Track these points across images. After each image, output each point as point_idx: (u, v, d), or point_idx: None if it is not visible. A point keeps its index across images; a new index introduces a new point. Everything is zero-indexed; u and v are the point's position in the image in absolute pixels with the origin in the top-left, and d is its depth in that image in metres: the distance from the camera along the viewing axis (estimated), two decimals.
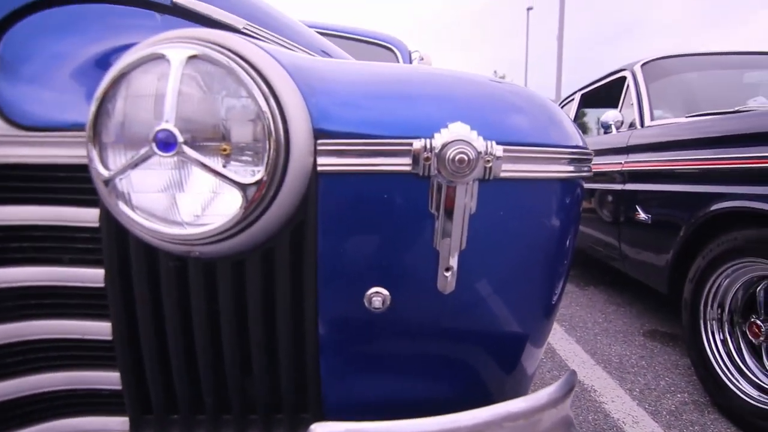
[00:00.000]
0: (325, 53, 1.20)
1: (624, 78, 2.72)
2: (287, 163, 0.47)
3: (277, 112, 0.46)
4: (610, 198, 2.37)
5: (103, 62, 0.63)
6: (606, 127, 2.65)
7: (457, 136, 0.49)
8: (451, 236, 0.52)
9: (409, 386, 0.63)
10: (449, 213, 0.51)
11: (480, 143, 0.50)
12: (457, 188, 0.51)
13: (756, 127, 1.48)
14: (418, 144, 0.50)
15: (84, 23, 0.67)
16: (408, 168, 0.50)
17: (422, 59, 2.94)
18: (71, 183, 0.55)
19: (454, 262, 0.53)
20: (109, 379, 0.59)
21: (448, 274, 0.53)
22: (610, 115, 2.63)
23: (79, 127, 0.54)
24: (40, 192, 0.55)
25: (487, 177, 0.51)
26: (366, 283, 0.54)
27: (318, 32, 1.32)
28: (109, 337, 0.57)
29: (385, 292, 0.54)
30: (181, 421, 0.61)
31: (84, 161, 0.53)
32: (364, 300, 0.54)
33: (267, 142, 0.45)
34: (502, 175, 0.52)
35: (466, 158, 0.48)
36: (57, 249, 0.57)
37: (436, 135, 0.50)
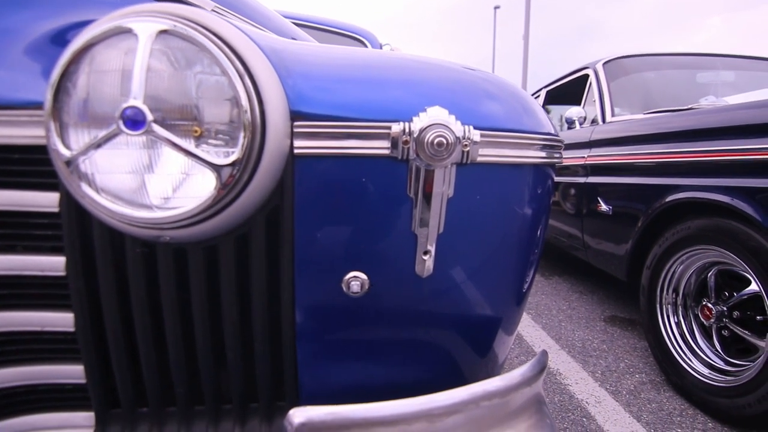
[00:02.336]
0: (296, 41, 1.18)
1: (587, 76, 2.82)
2: (263, 145, 0.46)
3: (253, 92, 0.45)
4: (573, 191, 2.46)
5: (59, 38, 0.59)
6: (570, 123, 2.74)
7: (435, 120, 0.50)
8: (429, 220, 0.52)
9: (385, 371, 0.63)
10: (427, 197, 0.52)
11: (458, 127, 0.50)
12: (436, 172, 0.51)
13: (706, 123, 1.57)
14: (396, 127, 0.50)
15: None
16: (386, 151, 0.50)
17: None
18: (27, 165, 0.52)
19: (432, 245, 0.54)
20: (72, 372, 0.56)
21: (426, 257, 0.54)
22: (573, 111, 2.72)
23: (35, 105, 0.50)
24: None
25: (464, 161, 0.52)
26: (344, 267, 0.53)
27: (290, 22, 1.29)
28: (72, 329, 0.54)
29: (363, 276, 0.53)
30: (151, 415, 0.58)
31: (41, 141, 0.49)
32: (342, 285, 0.54)
33: (242, 122, 0.44)
34: (479, 159, 0.53)
35: (444, 142, 0.49)
36: (12, 236, 0.53)
37: (415, 119, 0.50)
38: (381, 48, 2.86)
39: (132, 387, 0.57)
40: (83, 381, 0.56)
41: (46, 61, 0.55)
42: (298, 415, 0.46)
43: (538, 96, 3.84)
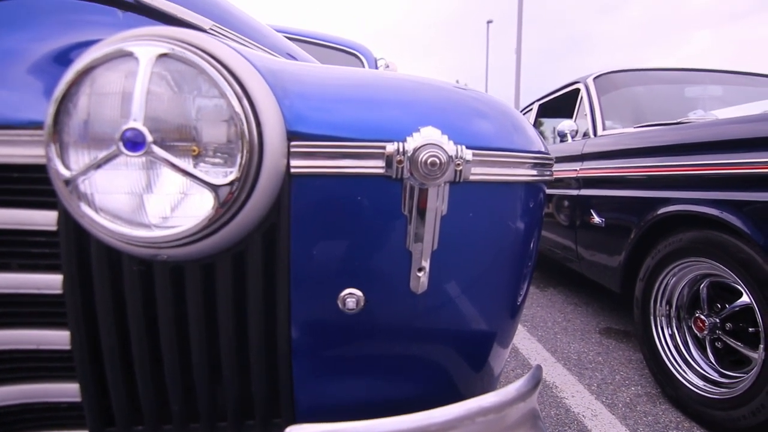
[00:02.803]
0: (291, 56, 1.20)
1: (578, 90, 2.87)
2: (260, 165, 0.47)
3: (250, 113, 0.46)
4: (566, 203, 2.49)
5: (60, 59, 0.60)
6: (562, 136, 2.78)
7: (429, 139, 0.51)
8: (424, 237, 0.53)
9: (381, 387, 0.63)
10: (422, 214, 0.53)
11: (450, 147, 0.52)
12: (429, 190, 0.52)
13: (696, 137, 1.61)
14: (391, 147, 0.51)
15: (39, 17, 0.64)
16: (381, 170, 0.51)
17: (388, 66, 2.97)
18: (25, 184, 0.52)
19: (426, 262, 0.54)
20: (67, 391, 0.56)
21: (420, 274, 0.55)
22: (565, 124, 2.76)
23: (34, 125, 0.51)
24: None
25: (457, 180, 0.53)
26: (340, 284, 0.54)
27: (286, 37, 1.31)
28: (68, 347, 0.54)
29: (358, 293, 0.54)
30: None
31: (40, 161, 0.50)
32: (338, 301, 0.54)
33: (240, 143, 0.45)
34: (471, 178, 0.54)
35: (437, 161, 0.50)
36: (9, 254, 0.53)
37: (409, 138, 0.51)
38: (376, 62, 2.90)
39: (127, 405, 0.57)
40: (78, 399, 0.55)
41: (45, 82, 0.56)
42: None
43: (531, 109, 3.90)
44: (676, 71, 2.84)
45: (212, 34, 0.86)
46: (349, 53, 2.76)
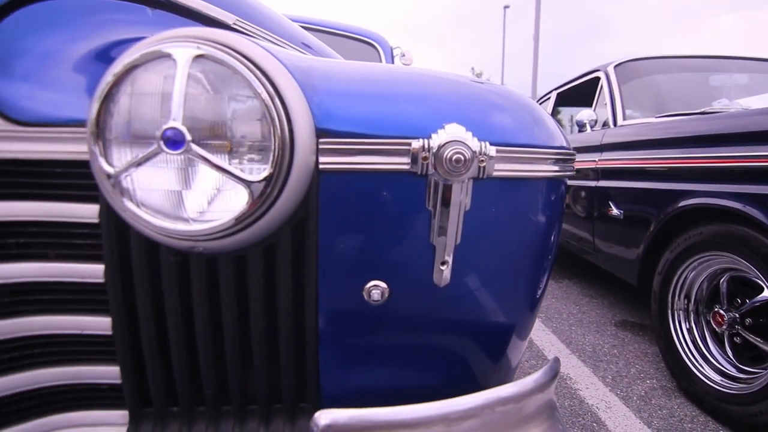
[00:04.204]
0: (306, 45, 1.21)
1: (598, 78, 2.81)
2: (292, 162, 0.49)
3: (282, 111, 0.47)
4: (584, 194, 2.46)
5: (97, 58, 0.62)
6: (581, 126, 2.74)
7: (453, 136, 0.52)
8: (447, 231, 0.55)
9: (401, 375, 0.65)
10: (445, 209, 0.54)
11: (475, 144, 0.53)
12: (453, 186, 0.53)
13: (719, 129, 1.57)
14: (416, 144, 0.52)
15: (74, 19, 0.66)
16: (407, 167, 0.53)
17: (404, 55, 2.96)
18: (69, 179, 0.55)
19: (449, 256, 0.56)
20: (108, 373, 0.59)
21: (443, 267, 0.56)
22: (584, 114, 2.72)
23: (75, 122, 0.54)
24: (37, 188, 0.55)
25: (480, 176, 0.54)
26: (365, 276, 0.56)
27: (301, 26, 1.32)
28: (109, 332, 0.57)
29: (383, 285, 0.56)
30: (181, 414, 0.62)
31: (81, 157, 0.53)
32: (363, 293, 0.56)
33: (273, 141, 0.47)
34: (495, 174, 0.55)
35: (462, 158, 0.51)
36: (53, 245, 0.57)
37: (434, 135, 0.53)
38: (392, 51, 2.89)
39: (164, 388, 0.60)
40: (119, 381, 0.59)
41: (84, 81, 0.59)
42: (324, 417, 0.49)
43: (549, 98, 3.83)
44: (699, 59, 2.76)
45: (237, 29, 0.87)
46: (365, 42, 2.75)
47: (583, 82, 3.12)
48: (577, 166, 2.54)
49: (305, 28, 1.35)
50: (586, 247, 2.52)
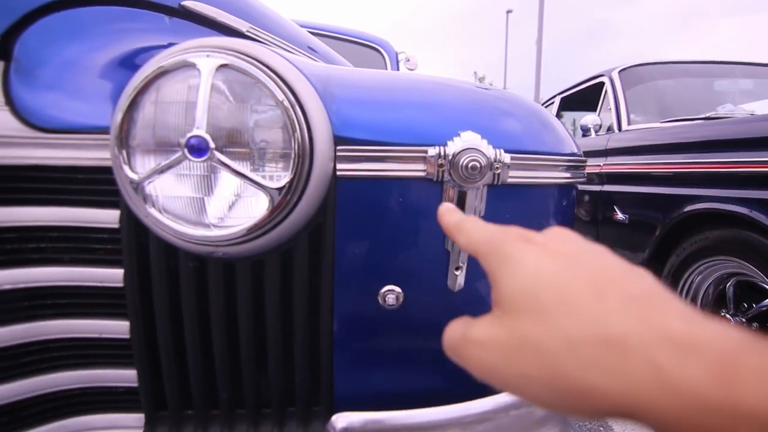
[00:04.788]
0: (312, 50, 1.22)
1: (602, 83, 2.82)
2: (311, 169, 0.49)
3: (303, 120, 0.48)
4: (589, 198, 2.47)
5: (118, 67, 0.63)
6: (585, 131, 2.75)
7: (469, 144, 0.53)
8: None
9: (414, 379, 0.66)
10: None
11: (490, 151, 0.54)
12: (468, 193, 0.54)
13: (725, 134, 1.58)
14: (432, 151, 0.53)
15: (93, 28, 0.67)
16: (422, 174, 0.54)
17: (409, 60, 2.97)
18: (90, 185, 0.56)
19: (463, 261, 0.57)
20: (124, 376, 0.60)
21: (458, 272, 0.57)
22: (589, 118, 2.73)
23: (98, 129, 0.55)
24: (58, 193, 0.56)
25: (495, 182, 0.55)
26: (380, 281, 0.57)
27: (308, 32, 1.33)
28: (127, 336, 0.58)
29: (398, 289, 0.57)
30: (196, 417, 0.62)
31: (104, 163, 0.54)
32: (378, 297, 0.57)
33: (293, 148, 0.48)
34: (509, 181, 0.56)
35: (478, 165, 0.52)
36: (74, 250, 0.58)
37: (449, 143, 0.53)
38: (397, 56, 2.90)
39: (179, 391, 0.61)
40: (135, 384, 0.60)
41: (106, 89, 0.60)
42: (341, 420, 0.49)
43: (552, 102, 3.84)
44: (704, 64, 2.77)
45: (251, 37, 0.89)
46: (370, 47, 2.77)
47: (587, 87, 3.13)
48: None
49: (312, 34, 1.37)
50: None
